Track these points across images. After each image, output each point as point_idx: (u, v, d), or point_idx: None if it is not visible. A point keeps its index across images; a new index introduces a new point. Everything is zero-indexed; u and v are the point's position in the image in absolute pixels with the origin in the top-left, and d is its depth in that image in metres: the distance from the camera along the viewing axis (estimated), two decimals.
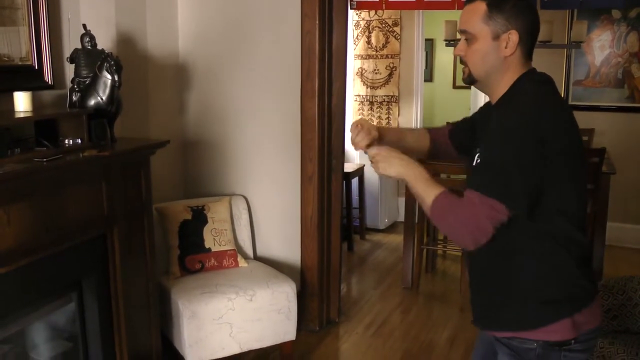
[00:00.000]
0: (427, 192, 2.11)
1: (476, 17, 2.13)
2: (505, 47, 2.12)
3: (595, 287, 2.18)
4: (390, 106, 7.78)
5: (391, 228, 7.54)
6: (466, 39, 2.18)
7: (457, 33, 2.31)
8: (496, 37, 2.12)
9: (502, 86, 2.18)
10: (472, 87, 2.41)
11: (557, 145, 2.00)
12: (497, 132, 2.04)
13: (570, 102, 7.00)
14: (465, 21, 2.18)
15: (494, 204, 1.94)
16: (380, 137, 2.50)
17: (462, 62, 2.24)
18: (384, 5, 4.61)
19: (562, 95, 6.99)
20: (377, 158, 2.28)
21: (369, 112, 7.85)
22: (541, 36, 5.55)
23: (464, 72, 2.25)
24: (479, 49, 2.15)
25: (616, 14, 6.79)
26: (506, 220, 1.97)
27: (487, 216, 1.95)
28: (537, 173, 1.99)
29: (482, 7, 2.13)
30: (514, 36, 2.11)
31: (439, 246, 6.25)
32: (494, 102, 2.25)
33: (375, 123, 7.71)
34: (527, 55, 2.18)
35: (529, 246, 2.08)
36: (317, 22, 4.33)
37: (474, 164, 2.17)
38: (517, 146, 1.97)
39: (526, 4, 2.18)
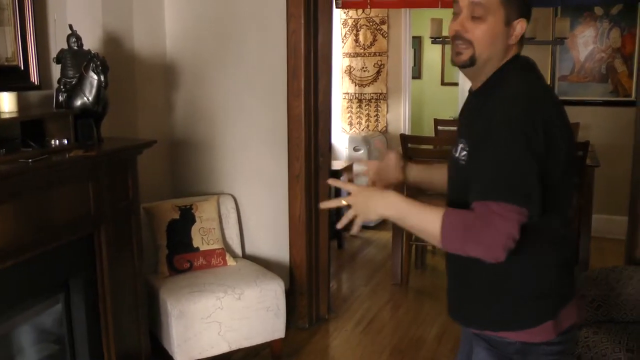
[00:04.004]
0: (427, 221, 1.91)
1: None
2: (512, 35, 2.00)
3: (574, 288, 2.12)
4: (379, 103, 7.81)
5: (381, 225, 7.54)
6: (473, 15, 1.98)
7: (457, 5, 2.03)
8: (508, 23, 1.98)
9: (490, 71, 2.04)
10: (459, 83, 2.26)
11: (555, 136, 1.88)
12: (496, 128, 1.87)
13: None
14: None
15: (519, 211, 1.79)
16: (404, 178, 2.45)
17: (460, 39, 2.02)
18: (369, 4, 4.62)
19: None
20: (352, 211, 2.03)
21: (358, 109, 7.87)
22: (526, 33, 5.65)
23: (459, 54, 2.03)
24: (490, 29, 1.97)
25: (598, 10, 6.86)
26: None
27: (515, 226, 1.78)
28: (546, 165, 1.84)
29: None
30: (522, 25, 2.00)
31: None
32: (475, 87, 2.13)
33: (363, 120, 7.77)
34: (522, 43, 2.06)
35: (520, 244, 1.83)
36: (302, 21, 4.34)
37: (457, 156, 2.06)
38: (522, 139, 1.81)
39: None
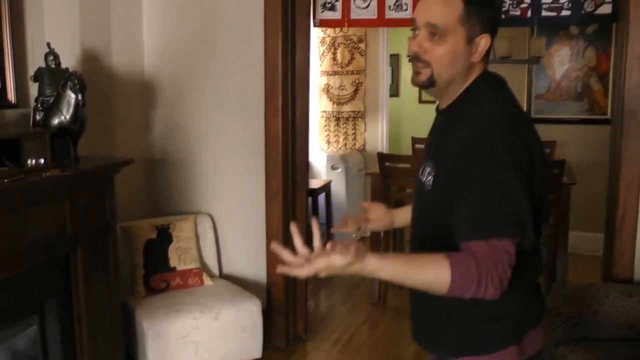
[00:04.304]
0: (429, 277, 1.72)
1: (451, 14, 1.86)
2: (475, 52, 1.90)
3: (542, 312, 2.03)
4: (357, 122, 7.83)
5: (360, 242, 7.54)
6: (432, 35, 1.89)
7: (415, 23, 1.95)
8: (470, 41, 1.88)
9: (457, 91, 1.96)
10: (437, 102, 2.16)
11: (534, 162, 1.80)
12: (479, 157, 1.76)
13: (533, 115, 7.16)
14: (437, 14, 1.88)
15: (507, 247, 1.71)
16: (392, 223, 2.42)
17: (418, 60, 1.93)
18: (346, 22, 4.64)
19: (525, 109, 7.11)
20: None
21: (335, 127, 7.89)
22: (501, 52, 5.72)
23: (419, 74, 1.94)
24: (450, 50, 1.88)
25: (574, 29, 6.95)
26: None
27: (513, 257, 1.71)
28: (533, 188, 1.77)
29: (458, 2, 1.86)
30: (486, 40, 1.90)
31: None
32: (443, 106, 2.03)
33: (341, 139, 7.78)
34: (487, 59, 1.97)
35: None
36: (280, 39, 4.35)
37: (424, 180, 1.98)
38: (509, 166, 1.73)
39: (497, 5, 1.98)
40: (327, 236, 7.09)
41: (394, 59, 9.58)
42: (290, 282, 4.72)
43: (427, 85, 1.94)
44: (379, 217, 2.46)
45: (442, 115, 2.05)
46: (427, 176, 1.96)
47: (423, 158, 2.10)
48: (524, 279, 1.91)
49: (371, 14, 4.56)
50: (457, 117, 1.91)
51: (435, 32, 1.87)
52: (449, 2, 1.87)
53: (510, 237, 1.72)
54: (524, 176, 1.75)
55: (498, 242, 1.70)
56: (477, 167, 1.76)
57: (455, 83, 1.94)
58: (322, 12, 4.66)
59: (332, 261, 1.68)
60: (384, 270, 1.72)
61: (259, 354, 4.12)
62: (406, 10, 4.46)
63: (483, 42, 1.89)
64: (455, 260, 1.70)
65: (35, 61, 3.57)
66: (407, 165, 5.97)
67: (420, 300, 2.08)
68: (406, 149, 8.06)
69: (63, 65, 3.48)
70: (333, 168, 7.34)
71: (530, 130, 1.88)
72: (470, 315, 1.93)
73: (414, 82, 1.98)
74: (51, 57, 3.43)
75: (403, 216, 2.45)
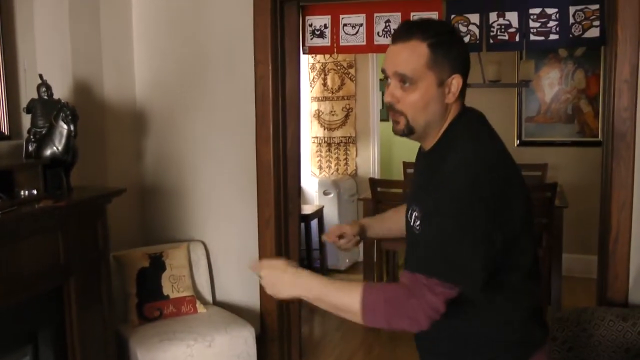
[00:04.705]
0: (345, 299, 1.84)
1: (418, 61, 1.88)
2: (448, 93, 1.91)
3: (544, 334, 2.06)
4: (348, 147, 7.85)
5: (353, 268, 7.54)
6: (402, 83, 1.90)
7: (385, 72, 1.98)
8: (441, 84, 1.89)
9: (438, 133, 1.97)
10: None
11: (508, 200, 1.82)
12: (440, 198, 1.80)
13: (523, 138, 7.25)
14: (403, 63, 1.90)
15: (450, 287, 1.75)
16: (363, 231, 2.49)
17: (393, 110, 1.95)
18: (335, 49, 4.68)
19: (515, 132, 7.17)
20: (264, 284, 1.98)
21: (327, 153, 7.90)
22: (490, 76, 5.77)
23: (396, 123, 1.96)
24: (422, 96, 1.89)
25: (563, 52, 7.01)
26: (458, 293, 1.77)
27: (441, 300, 1.75)
28: (495, 241, 1.78)
29: (423, 49, 1.88)
30: (458, 80, 1.91)
31: None
32: (427, 148, 2.04)
33: (333, 164, 7.79)
34: (463, 96, 1.98)
35: (476, 304, 1.89)
36: (270, 67, 4.38)
37: (412, 224, 2.00)
38: (469, 213, 1.75)
39: (462, 39, 2.01)
40: (321, 262, 7.08)
41: (384, 84, 9.62)
42: (284, 308, 4.72)
43: (406, 133, 1.97)
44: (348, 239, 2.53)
45: (425, 158, 2.06)
46: (415, 220, 1.98)
47: (408, 200, 2.13)
48: (521, 305, 1.96)
49: (360, 40, 4.60)
50: (439, 159, 1.92)
51: (405, 80, 1.89)
52: (414, 50, 1.89)
53: (442, 281, 1.74)
54: (488, 219, 1.77)
55: (424, 279, 1.75)
56: (441, 210, 1.80)
57: (434, 126, 1.96)
58: (312, 39, 4.70)
59: (273, 261, 2.03)
60: (310, 285, 1.90)
61: None
62: None
63: (455, 82, 1.91)
64: (368, 289, 1.81)
65: (27, 92, 3.58)
66: (399, 190, 6.00)
67: (426, 344, 2.12)
68: (397, 173, 8.08)
69: (55, 96, 3.50)
70: (325, 193, 7.35)
71: (511, 171, 1.91)
72: (473, 347, 1.97)
73: (394, 131, 2.00)
74: (43, 89, 3.45)
75: (377, 228, 2.59)
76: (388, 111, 1.99)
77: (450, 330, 1.94)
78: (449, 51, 1.90)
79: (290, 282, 1.93)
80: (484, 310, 1.92)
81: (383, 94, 9.60)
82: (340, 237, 2.51)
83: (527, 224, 1.90)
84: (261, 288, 4.44)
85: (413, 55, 1.88)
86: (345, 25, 4.62)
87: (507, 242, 1.82)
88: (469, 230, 1.75)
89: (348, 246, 2.53)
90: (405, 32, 1.93)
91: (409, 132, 1.95)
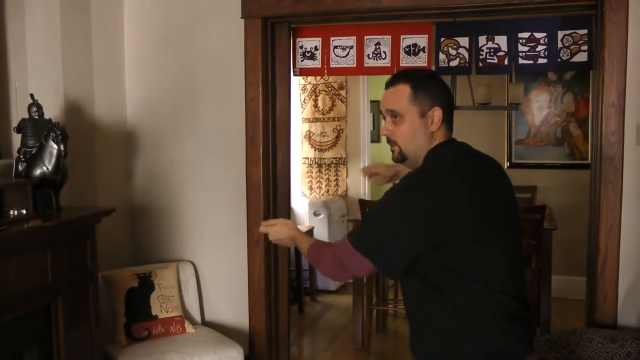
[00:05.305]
0: (304, 246, 2.53)
1: (403, 98, 2.31)
2: (431, 123, 2.30)
3: (524, 352, 2.21)
4: (338, 168, 7.87)
5: (342, 289, 7.54)
6: (393, 118, 2.34)
7: (382, 112, 2.46)
8: (423, 115, 2.30)
9: (423, 157, 2.35)
10: None
11: (451, 210, 2.12)
12: (388, 195, 2.26)
13: (513, 161, 7.27)
14: (392, 102, 2.34)
15: (347, 248, 2.25)
16: (396, 176, 2.96)
17: (390, 141, 2.38)
18: (326, 71, 4.71)
19: (505, 155, 7.21)
20: (271, 230, 2.66)
21: (318, 174, 7.92)
22: (480, 99, 5.80)
23: (393, 152, 2.40)
24: (408, 127, 2.32)
25: (552, 76, 7.07)
26: (371, 270, 2.25)
27: (348, 257, 2.25)
28: (411, 235, 2.14)
29: (406, 89, 2.31)
30: (438, 112, 2.29)
31: (389, 306, 6.27)
32: None
33: (323, 185, 7.82)
34: (449, 126, 2.36)
35: (443, 319, 2.19)
36: (260, 89, 4.41)
37: None
38: (400, 209, 2.18)
39: (442, 81, 2.36)
40: (310, 282, 7.08)
41: (375, 105, 9.66)
42: (273, 328, 4.71)
43: (400, 160, 2.41)
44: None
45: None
46: None
47: None
48: (492, 315, 2.17)
49: (350, 62, 4.63)
50: None
51: (395, 115, 2.34)
52: (399, 90, 2.34)
53: (354, 244, 2.24)
54: (411, 216, 2.15)
55: (347, 244, 2.27)
56: (383, 201, 2.27)
57: (422, 152, 2.35)
58: (302, 60, 4.72)
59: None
60: (299, 233, 2.63)
61: None
62: (385, 58, 4.54)
63: (436, 114, 2.31)
64: (314, 244, 2.51)
65: (18, 111, 3.59)
66: None
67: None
68: None
69: (46, 116, 3.51)
70: (315, 214, 7.36)
71: (464, 185, 2.20)
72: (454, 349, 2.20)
73: (392, 159, 2.44)
74: (34, 108, 3.47)
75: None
76: (388, 143, 2.41)
77: (427, 343, 2.28)
78: (428, 89, 2.31)
79: (287, 229, 2.64)
80: (455, 311, 2.17)
81: (374, 116, 9.72)
82: (374, 174, 3.07)
83: (489, 238, 2.19)
84: (250, 308, 4.52)
85: (398, 94, 2.33)
86: (335, 47, 4.64)
87: (445, 246, 2.13)
88: (389, 218, 2.18)
89: (380, 182, 3.06)
90: (394, 79, 2.38)
91: (402, 158, 2.39)
